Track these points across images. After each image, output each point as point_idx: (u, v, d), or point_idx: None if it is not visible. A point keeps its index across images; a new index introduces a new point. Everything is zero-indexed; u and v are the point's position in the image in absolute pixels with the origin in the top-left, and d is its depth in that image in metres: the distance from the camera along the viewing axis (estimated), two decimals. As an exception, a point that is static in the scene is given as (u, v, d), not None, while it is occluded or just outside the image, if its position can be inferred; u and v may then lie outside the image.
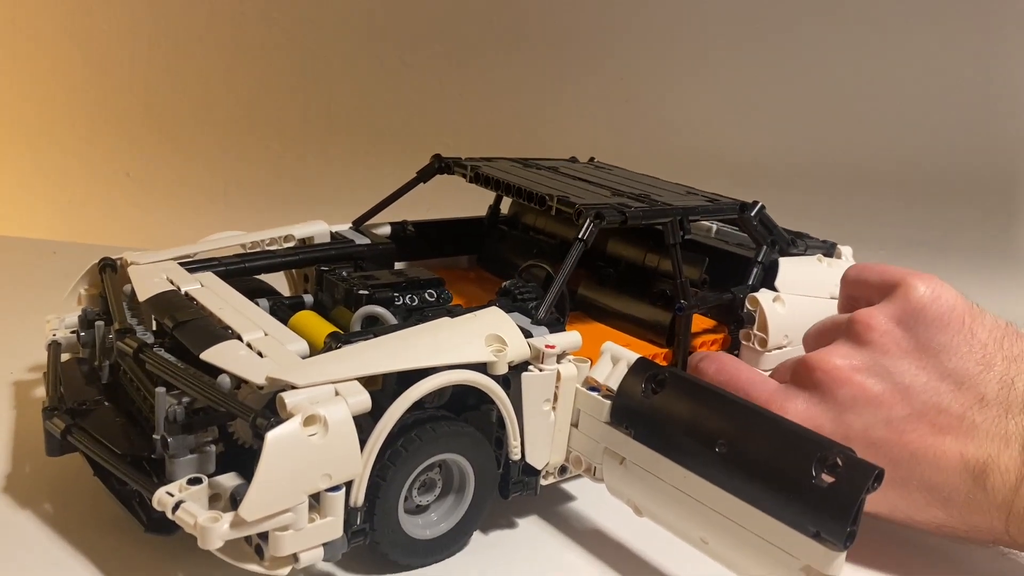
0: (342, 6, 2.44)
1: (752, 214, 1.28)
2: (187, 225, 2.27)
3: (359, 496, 0.84)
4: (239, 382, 0.85)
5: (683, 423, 0.88)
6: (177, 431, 0.84)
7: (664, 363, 1.18)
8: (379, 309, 1.00)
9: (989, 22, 2.50)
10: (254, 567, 0.80)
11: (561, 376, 0.96)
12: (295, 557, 0.81)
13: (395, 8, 2.44)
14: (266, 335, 0.93)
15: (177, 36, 2.45)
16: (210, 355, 0.88)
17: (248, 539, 0.81)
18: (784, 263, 1.28)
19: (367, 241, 1.30)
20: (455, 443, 0.92)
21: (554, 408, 0.97)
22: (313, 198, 2.42)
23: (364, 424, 0.84)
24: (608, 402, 0.95)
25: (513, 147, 2.52)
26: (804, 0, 2.51)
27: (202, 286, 1.07)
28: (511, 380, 0.95)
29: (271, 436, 0.77)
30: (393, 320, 1.00)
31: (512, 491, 0.98)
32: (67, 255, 1.94)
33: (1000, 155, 2.60)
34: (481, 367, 0.92)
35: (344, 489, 0.82)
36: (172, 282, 1.07)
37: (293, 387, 0.81)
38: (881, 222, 2.63)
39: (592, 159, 1.60)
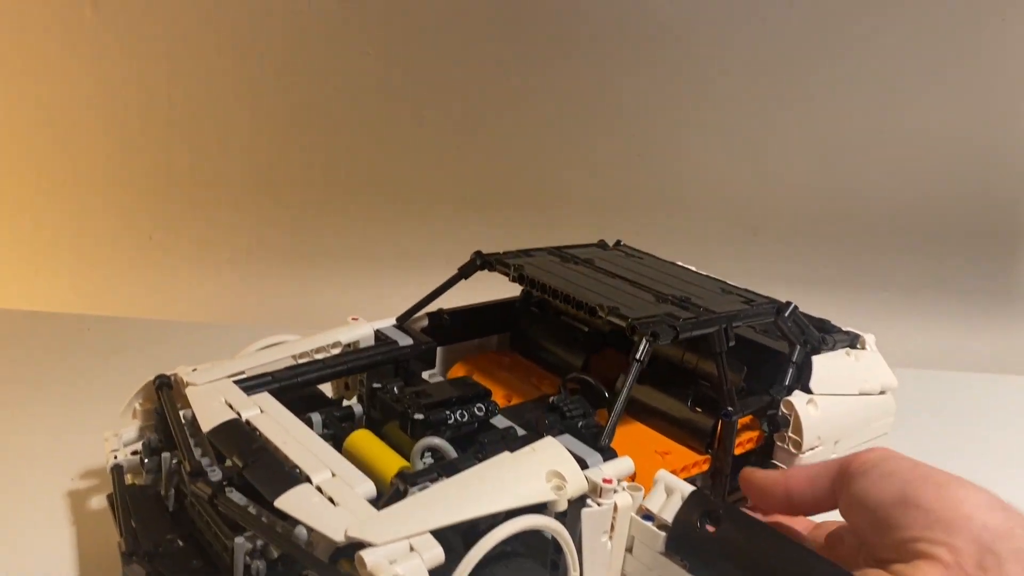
0: (358, 71, 2.47)
1: (787, 315, 1.32)
2: (212, 287, 2.30)
3: (438, 644, 0.88)
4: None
5: (739, 564, 0.91)
6: (267, 591, 0.87)
7: (705, 468, 1.22)
8: (438, 441, 1.04)
9: (987, 72, 2.56)
10: None
11: (618, 507, 1.00)
12: None
13: (410, 73, 2.47)
14: (333, 475, 0.96)
15: (196, 99, 2.47)
16: (284, 503, 0.91)
17: None
18: (817, 362, 1.32)
19: (410, 341, 1.34)
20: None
21: (611, 538, 1.01)
22: (333, 256, 2.45)
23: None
24: (663, 533, 0.98)
25: (529, 202, 2.58)
26: (805, 57, 2.56)
27: (261, 411, 1.10)
28: (569, 512, 0.98)
29: (362, 609, 0.80)
30: (451, 451, 1.03)
31: None
32: (99, 331, 1.96)
33: (997, 199, 2.68)
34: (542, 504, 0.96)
35: (423, 641, 0.86)
36: (231, 406, 1.10)
37: (370, 544, 0.85)
38: (882, 265, 2.70)
39: (619, 242, 1.63)
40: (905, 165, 2.63)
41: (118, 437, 1.18)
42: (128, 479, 1.14)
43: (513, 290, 1.59)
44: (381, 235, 2.46)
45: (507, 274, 1.35)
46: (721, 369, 1.20)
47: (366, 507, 0.91)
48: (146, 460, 1.12)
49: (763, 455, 1.29)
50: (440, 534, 0.89)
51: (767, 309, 1.31)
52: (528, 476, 0.97)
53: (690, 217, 2.57)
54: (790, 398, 1.25)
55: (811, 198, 2.64)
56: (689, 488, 0.99)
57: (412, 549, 0.86)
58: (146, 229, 2.45)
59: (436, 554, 0.87)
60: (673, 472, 1.17)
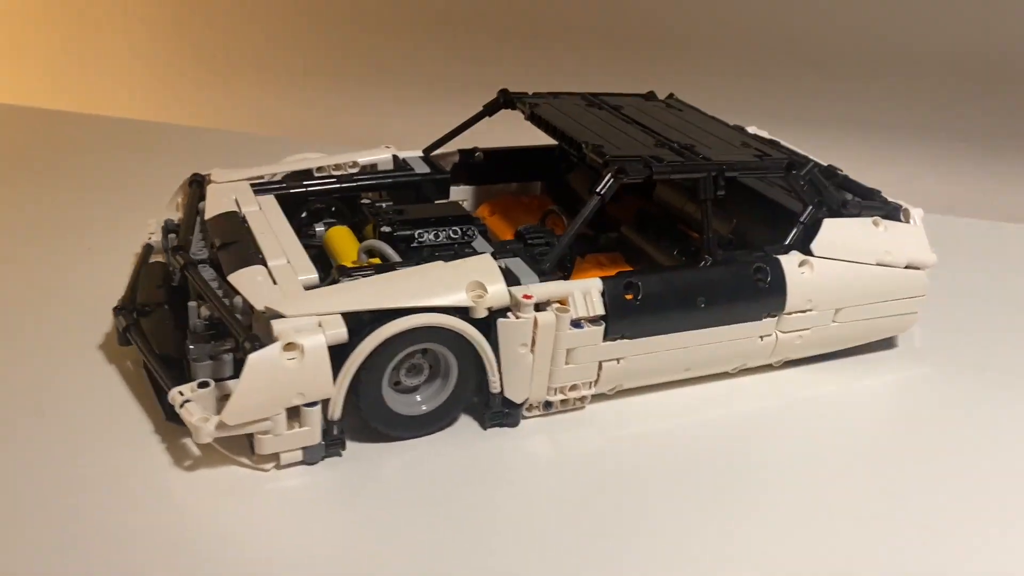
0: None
1: (802, 173, 1.25)
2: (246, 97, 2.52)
3: (335, 411, 0.98)
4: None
5: (670, 304, 1.12)
6: (197, 340, 1.01)
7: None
8: (381, 245, 1.12)
9: None
10: (243, 459, 0.98)
11: (539, 323, 1.04)
12: (277, 456, 0.98)
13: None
14: (288, 263, 1.07)
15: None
16: (234, 277, 1.04)
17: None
18: (828, 224, 1.25)
19: (426, 170, 1.41)
20: (433, 335, 1.01)
21: (532, 351, 1.06)
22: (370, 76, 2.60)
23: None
24: (599, 327, 1.07)
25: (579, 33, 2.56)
26: None
27: (260, 209, 1.22)
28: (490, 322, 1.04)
29: (252, 357, 0.92)
30: (395, 257, 1.11)
31: (491, 421, 1.09)
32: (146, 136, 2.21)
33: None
34: (465, 311, 1.02)
35: (320, 405, 0.97)
36: (237, 203, 1.24)
37: (283, 316, 0.96)
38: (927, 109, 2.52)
39: (671, 95, 1.58)
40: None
41: (159, 224, 1.36)
42: (159, 258, 1.32)
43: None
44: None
45: (524, 112, 1.37)
46: (705, 218, 1.18)
47: (298, 289, 1.02)
48: (162, 241, 1.29)
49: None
50: (356, 321, 0.99)
51: (777, 165, 1.25)
52: (451, 282, 1.03)
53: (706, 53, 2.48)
54: (780, 257, 1.21)
55: (848, 33, 2.47)
56: (597, 280, 1.08)
57: (320, 325, 0.96)
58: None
59: (339, 333, 0.96)
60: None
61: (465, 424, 1.11)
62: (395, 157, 1.42)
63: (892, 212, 1.35)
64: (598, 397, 1.17)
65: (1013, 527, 1.00)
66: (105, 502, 0.93)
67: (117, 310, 1.13)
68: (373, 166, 1.40)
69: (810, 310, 1.23)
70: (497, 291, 1.03)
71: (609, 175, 1.12)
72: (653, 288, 1.11)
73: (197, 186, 1.32)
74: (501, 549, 0.91)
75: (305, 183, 1.32)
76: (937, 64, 2.50)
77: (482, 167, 1.53)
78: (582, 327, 1.07)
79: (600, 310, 1.07)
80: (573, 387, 1.11)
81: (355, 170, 1.38)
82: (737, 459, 1.09)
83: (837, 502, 1.02)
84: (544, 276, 1.08)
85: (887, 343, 1.39)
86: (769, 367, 1.28)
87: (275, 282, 1.03)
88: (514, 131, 1.57)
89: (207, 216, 1.21)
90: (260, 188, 1.29)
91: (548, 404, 1.12)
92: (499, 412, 1.09)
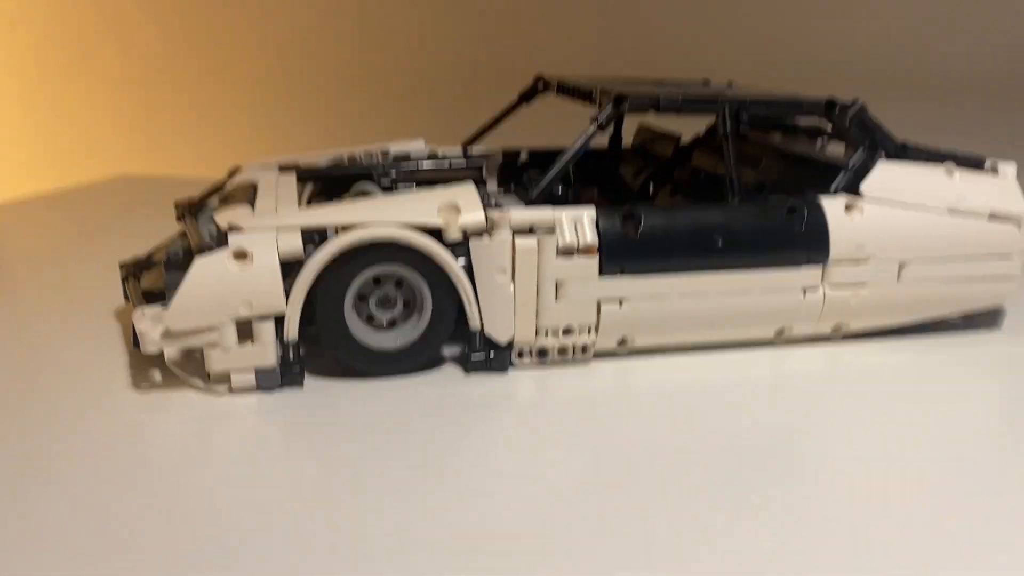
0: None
1: (849, 112, 1.11)
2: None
3: (290, 330, 0.92)
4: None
5: (679, 239, 1.00)
6: (171, 267, 1.00)
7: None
8: (370, 185, 1.08)
9: None
10: (196, 382, 0.93)
11: (516, 247, 0.95)
12: (229, 379, 0.92)
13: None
14: (275, 206, 1.05)
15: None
16: (218, 215, 1.03)
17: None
18: (883, 165, 1.09)
19: (461, 163, 1.37)
20: (399, 256, 0.94)
21: (513, 281, 0.96)
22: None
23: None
24: (592, 259, 0.97)
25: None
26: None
27: (275, 180, 1.23)
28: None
29: (198, 260, 0.89)
30: (380, 193, 1.06)
31: (473, 365, 0.98)
32: None
33: None
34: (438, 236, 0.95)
35: (273, 321, 0.91)
36: (257, 178, 1.25)
37: (242, 230, 0.93)
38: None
39: (730, 83, 1.48)
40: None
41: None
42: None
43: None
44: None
45: (552, 87, 1.33)
46: (726, 155, 1.06)
47: (270, 214, 0.99)
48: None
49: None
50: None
51: (812, 104, 1.11)
52: (423, 204, 0.97)
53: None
54: (823, 198, 1.05)
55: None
56: (590, 208, 0.98)
57: (276, 240, 0.92)
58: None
59: (293, 245, 0.92)
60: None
61: (451, 369, 1.01)
62: (433, 152, 1.40)
63: (973, 163, 1.16)
64: (608, 355, 1.04)
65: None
66: (54, 416, 0.90)
67: (122, 264, 1.14)
68: (406, 156, 1.38)
69: (864, 260, 1.05)
70: (472, 212, 0.95)
71: (608, 103, 1.05)
72: (657, 220, 0.99)
73: (235, 175, 1.36)
74: (450, 488, 0.77)
75: (334, 170, 1.32)
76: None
77: (526, 171, 1.47)
78: (571, 256, 0.97)
79: (592, 239, 0.97)
80: (568, 330, 0.99)
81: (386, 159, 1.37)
82: (753, 427, 0.89)
83: (871, 487, 0.80)
84: (530, 204, 0.99)
85: (989, 322, 1.16)
86: (826, 339, 1.10)
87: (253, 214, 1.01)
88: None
89: (227, 187, 1.22)
90: (286, 170, 1.30)
91: (543, 353, 1.00)
92: (482, 354, 0.98)
